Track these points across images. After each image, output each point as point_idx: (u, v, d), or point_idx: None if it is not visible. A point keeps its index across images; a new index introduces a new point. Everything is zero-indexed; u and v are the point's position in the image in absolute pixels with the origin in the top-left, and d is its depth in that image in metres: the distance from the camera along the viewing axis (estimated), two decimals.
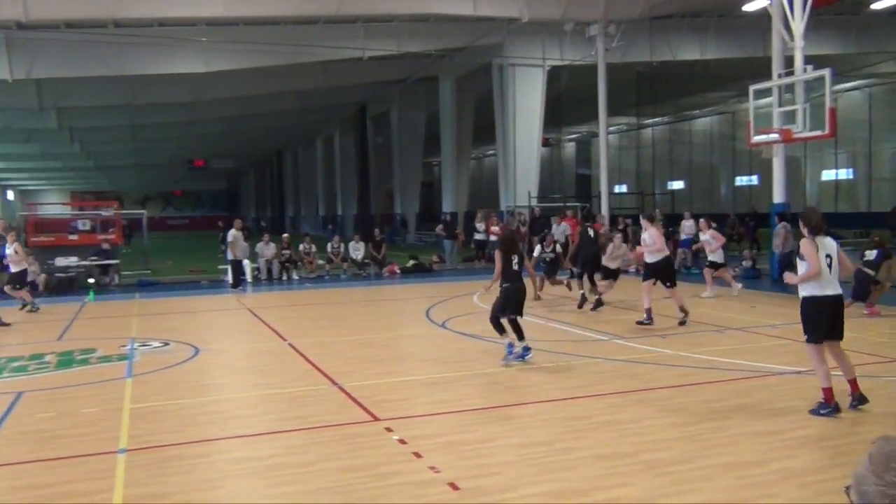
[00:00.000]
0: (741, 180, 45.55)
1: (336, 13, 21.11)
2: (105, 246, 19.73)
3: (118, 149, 49.51)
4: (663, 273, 11.47)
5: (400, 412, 6.91)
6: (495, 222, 22.51)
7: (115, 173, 66.73)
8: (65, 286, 18.31)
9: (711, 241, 15.12)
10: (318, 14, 21.58)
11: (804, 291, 6.44)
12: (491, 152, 57.81)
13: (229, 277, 18.54)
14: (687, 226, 20.46)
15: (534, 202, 25.08)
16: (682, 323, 11.04)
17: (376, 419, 6.63)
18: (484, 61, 26.81)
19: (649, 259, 11.54)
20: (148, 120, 35.66)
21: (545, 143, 34.86)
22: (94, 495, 5.00)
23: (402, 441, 5.97)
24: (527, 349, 8.72)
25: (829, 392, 6.33)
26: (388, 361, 9.42)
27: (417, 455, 5.61)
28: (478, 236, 23.48)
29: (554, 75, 26.71)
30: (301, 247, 21.31)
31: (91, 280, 18.68)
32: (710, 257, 15.21)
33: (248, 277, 19.76)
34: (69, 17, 19.51)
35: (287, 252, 20.68)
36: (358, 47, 23.75)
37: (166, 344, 10.81)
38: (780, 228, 17.30)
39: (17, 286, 14.55)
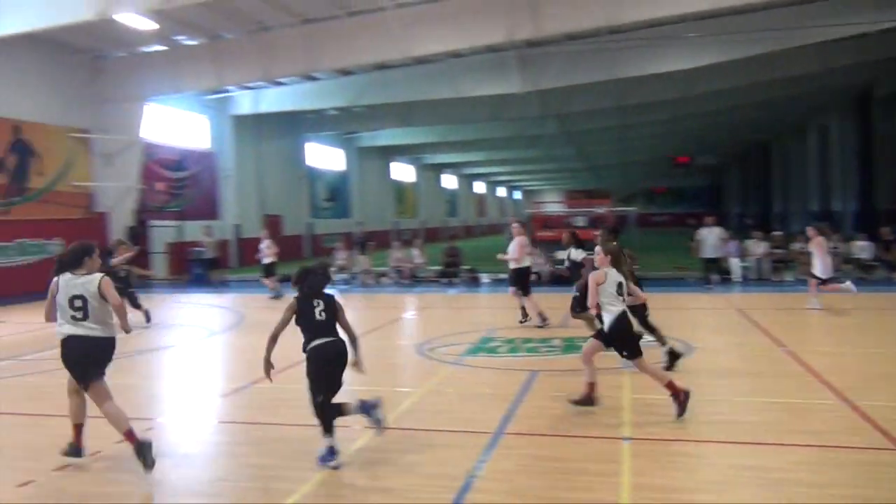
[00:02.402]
0: None
1: None
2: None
3: (606, 149, 52.53)
4: None
5: None
6: None
7: (602, 172, 70.99)
8: (565, 278, 20.09)
9: None
10: None
11: None
12: None
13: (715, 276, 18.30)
14: None
15: None
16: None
17: None
18: None
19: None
20: (634, 120, 37.04)
21: None
22: (604, 477, 5.33)
23: None
24: None
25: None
26: None
27: None
28: None
29: None
30: (797, 246, 19.85)
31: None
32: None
33: (737, 276, 19.20)
34: (571, 30, 21.24)
35: (781, 251, 19.50)
36: (865, 21, 21.08)
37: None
38: None
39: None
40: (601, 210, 23.97)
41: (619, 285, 6.86)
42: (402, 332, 13.26)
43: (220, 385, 9.06)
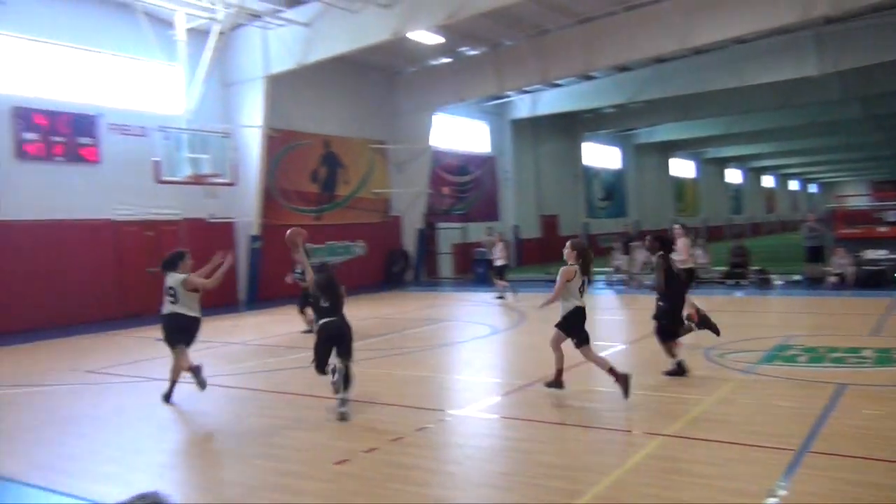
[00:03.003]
0: None
1: None
2: None
3: None
4: None
5: None
6: None
7: None
8: (874, 279, 17.86)
9: None
10: None
11: None
12: None
13: None
14: None
15: None
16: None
17: None
18: None
19: None
20: None
21: None
22: None
23: None
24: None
25: None
26: None
27: None
28: None
29: None
30: None
31: None
32: None
33: None
34: (878, 1, 18.88)
35: None
36: None
37: None
38: None
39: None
40: None
41: (582, 283, 7.80)
42: (686, 336, 12.70)
43: (506, 381, 9.38)
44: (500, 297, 18.78)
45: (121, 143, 17.95)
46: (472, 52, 23.82)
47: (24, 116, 16.24)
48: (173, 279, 8.24)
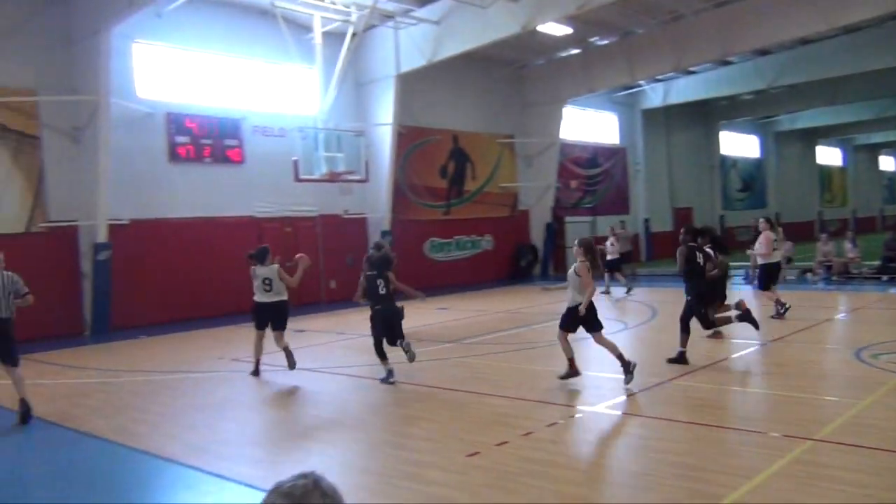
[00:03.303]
0: None
1: None
2: None
3: None
4: None
5: None
6: None
7: None
8: None
9: None
10: None
11: None
12: None
13: None
14: None
15: None
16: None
17: None
18: None
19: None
20: None
21: None
22: None
23: None
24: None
25: None
26: None
27: None
28: None
29: None
30: None
31: None
32: None
33: None
34: None
35: None
36: None
37: None
38: None
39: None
40: None
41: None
42: (834, 335, 11.97)
43: (638, 379, 9.16)
44: (628, 291, 18.45)
45: (262, 144, 18.90)
46: (602, 42, 23.35)
47: (176, 121, 17.43)
48: (268, 271, 9.58)
